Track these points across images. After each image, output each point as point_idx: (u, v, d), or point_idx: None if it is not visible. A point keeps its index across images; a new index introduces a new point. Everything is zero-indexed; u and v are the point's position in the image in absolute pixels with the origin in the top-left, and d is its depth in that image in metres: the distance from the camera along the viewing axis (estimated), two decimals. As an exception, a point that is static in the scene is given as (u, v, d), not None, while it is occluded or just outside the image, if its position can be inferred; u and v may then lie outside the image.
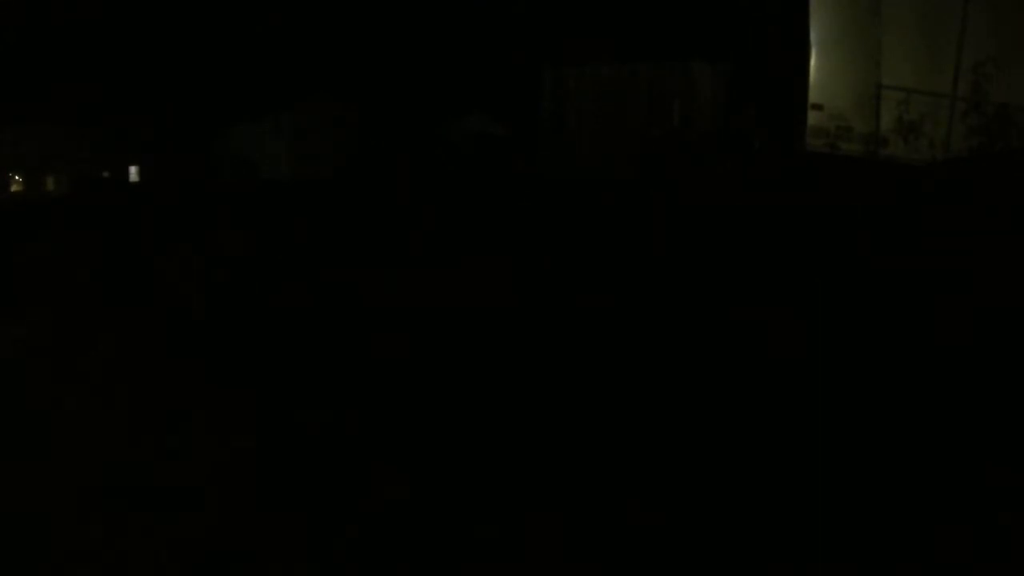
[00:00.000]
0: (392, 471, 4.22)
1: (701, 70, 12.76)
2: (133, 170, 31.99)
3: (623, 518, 3.64)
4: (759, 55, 15.18)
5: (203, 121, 29.82)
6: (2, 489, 4.15)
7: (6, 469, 4.38)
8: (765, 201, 8.96)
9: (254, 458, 4.48)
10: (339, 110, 28.61)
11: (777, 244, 7.41)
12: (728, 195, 9.62)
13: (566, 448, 4.34)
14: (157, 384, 5.76)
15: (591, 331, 6.17)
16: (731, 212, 8.70)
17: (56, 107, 28.53)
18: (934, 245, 6.46)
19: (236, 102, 29.15)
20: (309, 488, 4.11)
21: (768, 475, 3.96)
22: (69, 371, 6.11)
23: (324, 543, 3.60)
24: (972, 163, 8.04)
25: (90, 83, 29.38)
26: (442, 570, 3.37)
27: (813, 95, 10.92)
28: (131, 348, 6.67)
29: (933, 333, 5.24)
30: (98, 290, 8.96)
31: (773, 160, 11.17)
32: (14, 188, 29.29)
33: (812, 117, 10.92)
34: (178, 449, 4.59)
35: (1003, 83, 8.29)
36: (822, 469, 3.93)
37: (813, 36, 10.96)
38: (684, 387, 5.00)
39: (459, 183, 16.69)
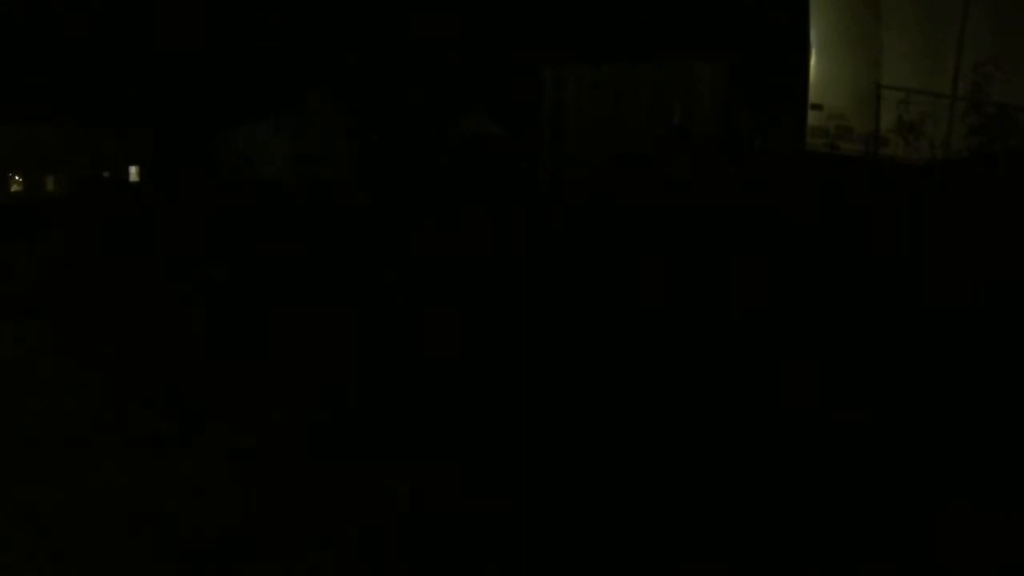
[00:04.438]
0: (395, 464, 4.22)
1: (701, 70, 12.73)
2: (133, 170, 31.94)
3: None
4: (759, 55, 15.16)
5: (203, 121, 29.76)
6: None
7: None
8: (764, 201, 8.94)
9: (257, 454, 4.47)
10: (339, 110, 28.60)
11: (777, 244, 7.40)
12: (727, 195, 9.61)
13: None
14: (162, 382, 5.76)
15: (588, 331, 6.17)
16: (730, 212, 8.68)
17: (56, 107, 28.48)
18: (934, 245, 6.45)
19: (236, 102, 29.09)
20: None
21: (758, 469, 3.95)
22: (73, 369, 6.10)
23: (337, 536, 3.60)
24: (972, 163, 8.03)
25: (90, 84, 29.33)
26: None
27: (813, 95, 10.90)
28: (131, 346, 6.67)
29: (933, 333, 5.24)
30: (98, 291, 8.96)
31: (773, 160, 11.17)
32: (14, 188, 29.24)
33: (812, 117, 10.89)
34: (181, 444, 4.59)
35: (1003, 83, 8.27)
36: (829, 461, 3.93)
37: (813, 36, 10.93)
38: (681, 385, 5.00)
39: (458, 184, 16.66)
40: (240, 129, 28.70)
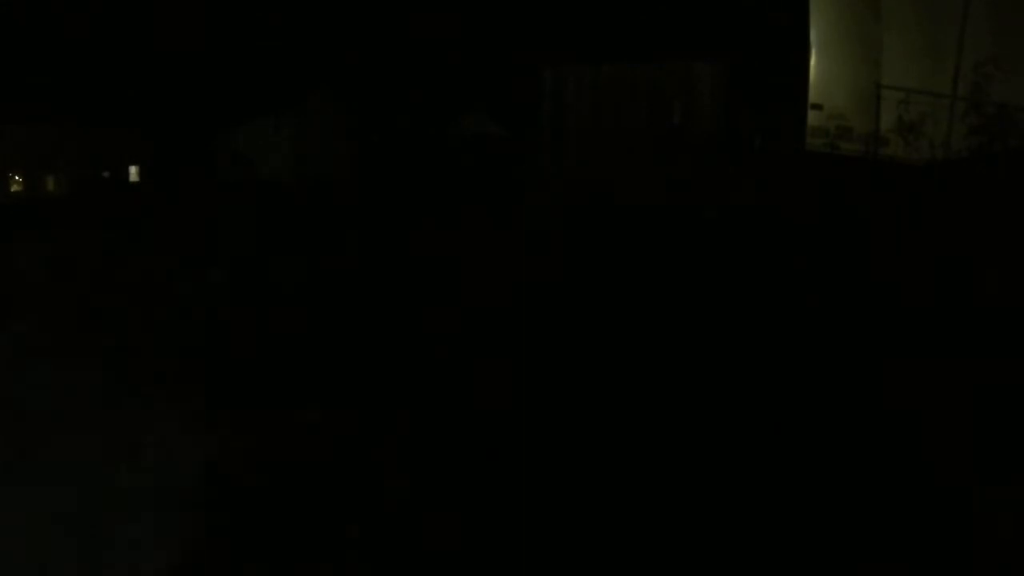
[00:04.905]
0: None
1: (701, 70, 12.72)
2: (133, 170, 31.94)
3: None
4: (759, 55, 15.15)
5: (203, 121, 29.75)
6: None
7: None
8: (764, 201, 8.94)
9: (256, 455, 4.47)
10: (339, 110, 28.59)
11: (776, 243, 7.39)
12: (727, 195, 9.61)
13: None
14: (156, 382, 5.75)
15: (588, 330, 6.16)
16: (730, 212, 8.68)
17: (56, 107, 28.48)
18: (934, 245, 6.44)
19: (236, 102, 29.09)
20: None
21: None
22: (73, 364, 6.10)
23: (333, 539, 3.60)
24: (972, 163, 8.02)
25: (90, 84, 29.34)
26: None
27: (813, 95, 10.90)
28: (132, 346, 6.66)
29: (934, 331, 5.23)
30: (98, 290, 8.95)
31: (773, 160, 11.17)
32: (14, 188, 29.23)
33: (812, 117, 10.89)
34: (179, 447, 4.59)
35: (1003, 83, 8.26)
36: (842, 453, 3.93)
37: (813, 36, 10.94)
38: (681, 385, 5.00)
39: (458, 184, 16.65)
40: (240, 129, 28.68)
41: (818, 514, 3.60)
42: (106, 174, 30.69)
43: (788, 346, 5.41)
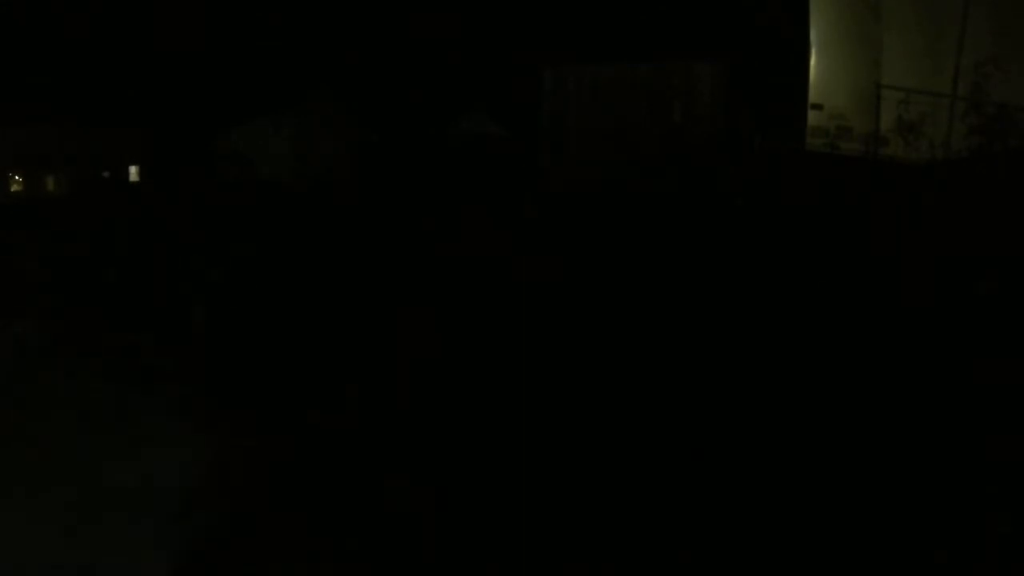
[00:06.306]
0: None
1: (701, 70, 12.72)
2: (133, 170, 31.90)
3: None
4: (759, 55, 15.15)
5: (203, 121, 29.75)
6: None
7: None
8: (764, 200, 8.95)
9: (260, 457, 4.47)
10: (339, 110, 28.56)
11: (776, 243, 7.40)
12: (727, 194, 9.62)
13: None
14: (156, 384, 5.75)
15: (589, 328, 6.17)
16: (729, 211, 8.69)
17: (56, 107, 28.45)
18: (933, 244, 6.45)
19: (236, 102, 29.08)
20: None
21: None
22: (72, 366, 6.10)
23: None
24: (972, 163, 8.02)
25: (90, 84, 29.33)
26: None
27: (813, 95, 10.90)
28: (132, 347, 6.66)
29: (935, 331, 5.24)
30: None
31: (773, 160, 11.18)
32: (14, 188, 29.19)
33: (812, 117, 10.89)
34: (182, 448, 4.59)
35: (1003, 83, 8.26)
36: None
37: (813, 36, 10.94)
38: (678, 382, 5.01)
39: (458, 184, 16.66)
40: (240, 129, 28.66)
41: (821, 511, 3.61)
42: (106, 174, 30.64)
43: (787, 346, 5.42)
